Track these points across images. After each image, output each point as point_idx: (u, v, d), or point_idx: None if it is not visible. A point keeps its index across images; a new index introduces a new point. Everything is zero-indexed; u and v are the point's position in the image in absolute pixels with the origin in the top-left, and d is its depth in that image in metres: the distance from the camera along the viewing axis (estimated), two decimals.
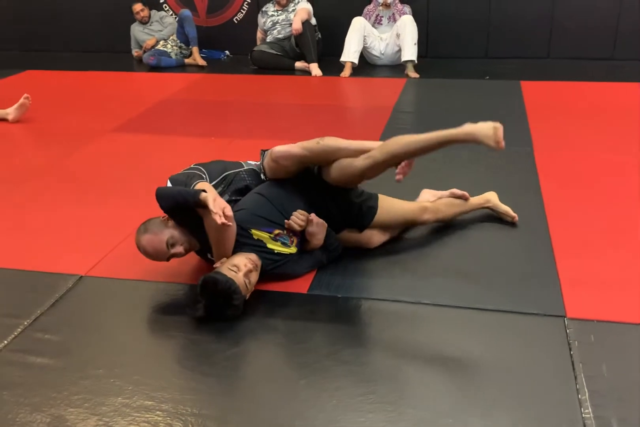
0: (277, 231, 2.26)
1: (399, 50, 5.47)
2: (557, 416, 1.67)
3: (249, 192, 2.40)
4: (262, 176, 2.45)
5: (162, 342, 2.06)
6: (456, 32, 5.88)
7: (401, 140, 2.20)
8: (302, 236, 2.33)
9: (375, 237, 2.47)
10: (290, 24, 5.66)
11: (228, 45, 6.42)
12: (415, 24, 5.40)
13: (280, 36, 5.80)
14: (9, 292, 2.34)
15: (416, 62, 5.39)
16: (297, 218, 2.27)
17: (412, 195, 2.71)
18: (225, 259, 2.16)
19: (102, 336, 2.08)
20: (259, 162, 2.54)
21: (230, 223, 2.08)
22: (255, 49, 5.83)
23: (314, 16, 5.76)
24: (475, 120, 4.17)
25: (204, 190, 2.13)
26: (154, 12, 6.28)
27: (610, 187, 3.02)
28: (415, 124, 4.19)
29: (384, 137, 3.81)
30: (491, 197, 2.71)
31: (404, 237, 2.59)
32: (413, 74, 5.32)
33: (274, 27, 5.82)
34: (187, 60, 6.14)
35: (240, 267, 2.08)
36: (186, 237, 2.23)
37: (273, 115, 4.43)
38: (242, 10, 6.35)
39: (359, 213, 2.39)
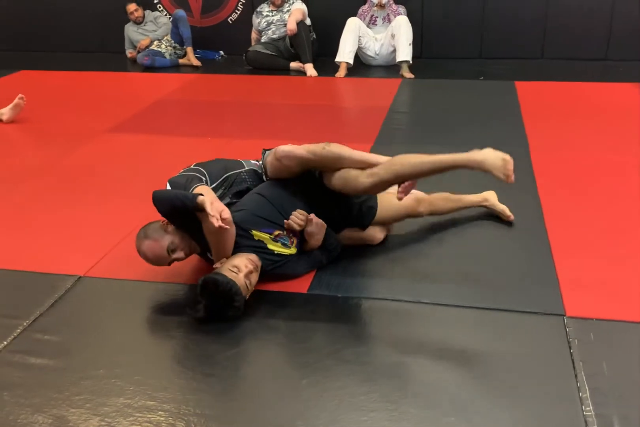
0: (277, 232, 2.27)
1: (394, 51, 5.48)
2: (559, 413, 1.68)
3: (249, 193, 2.40)
4: (264, 176, 2.45)
5: (162, 342, 2.05)
6: (450, 33, 5.90)
7: (408, 160, 2.18)
8: (301, 236, 2.33)
9: (378, 233, 2.49)
10: (285, 25, 5.66)
11: (222, 45, 6.41)
12: (410, 24, 5.41)
13: (275, 36, 5.80)
14: (8, 292, 2.33)
15: (411, 62, 5.40)
16: (297, 218, 2.27)
17: None
18: (225, 259, 2.16)
19: (101, 336, 2.07)
20: (260, 161, 2.54)
21: (227, 226, 2.07)
22: (250, 49, 5.83)
23: (309, 16, 5.75)
24: (472, 120, 4.19)
25: (201, 194, 2.12)
26: (148, 12, 6.26)
27: (607, 186, 3.04)
28: (411, 125, 4.21)
29: (380, 137, 3.85)
30: (489, 196, 2.72)
31: (404, 236, 2.60)
32: (408, 74, 5.33)
33: (268, 28, 5.82)
34: (181, 61, 6.13)
35: (240, 268, 2.08)
36: (186, 241, 2.21)
37: (269, 115, 4.43)
38: (236, 11, 6.34)
39: (359, 214, 2.40)
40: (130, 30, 6.25)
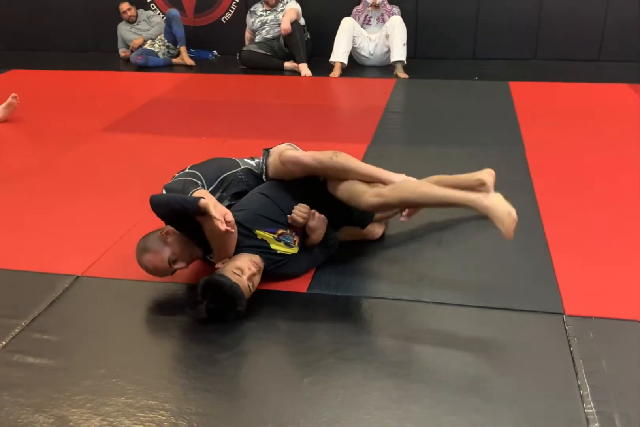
0: (280, 231, 2.26)
1: (388, 51, 5.49)
2: (560, 411, 1.68)
3: (250, 192, 2.38)
4: (263, 176, 2.44)
5: (163, 342, 2.04)
6: (444, 33, 5.92)
7: (418, 189, 2.16)
8: (303, 233, 2.33)
9: (376, 228, 2.50)
10: (279, 24, 5.65)
11: (216, 45, 6.40)
12: (404, 24, 5.43)
13: (269, 36, 5.80)
14: (5, 292, 2.32)
15: (405, 62, 5.41)
16: (299, 211, 2.27)
17: None
18: (227, 259, 2.15)
19: (101, 336, 2.06)
20: (257, 160, 2.53)
21: (233, 230, 2.06)
22: (244, 49, 5.82)
23: (303, 16, 5.76)
24: (468, 120, 4.20)
25: (202, 197, 2.09)
26: (141, 11, 6.25)
27: (602, 185, 3.05)
28: (407, 125, 4.22)
29: (376, 137, 3.86)
30: (486, 179, 2.58)
31: (402, 235, 2.60)
32: (402, 74, 5.34)
33: (262, 27, 5.81)
34: (174, 60, 6.11)
35: (244, 271, 2.06)
36: (187, 249, 2.19)
37: (264, 115, 4.42)
38: (230, 10, 6.34)
39: (359, 215, 2.40)
40: (123, 29, 6.23)
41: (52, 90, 5.18)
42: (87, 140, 3.90)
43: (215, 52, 6.40)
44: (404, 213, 2.22)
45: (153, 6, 6.46)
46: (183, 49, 6.07)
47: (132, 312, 2.19)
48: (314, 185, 2.36)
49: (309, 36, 5.84)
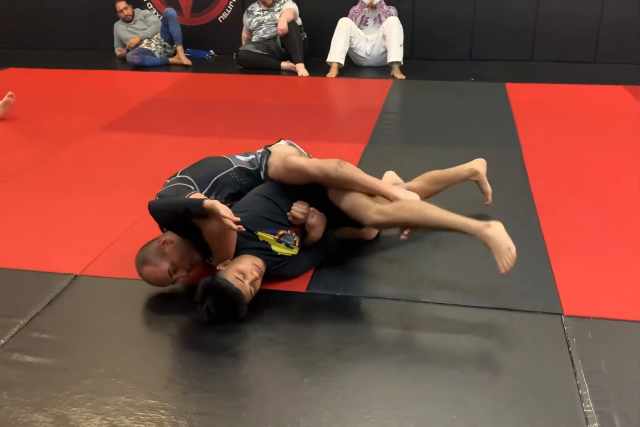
0: (281, 232, 2.26)
1: (385, 52, 5.49)
2: (559, 411, 1.69)
3: (250, 193, 2.37)
4: (262, 174, 2.43)
5: (162, 341, 2.04)
6: (441, 34, 5.93)
7: (421, 211, 2.16)
8: (302, 233, 2.33)
9: (373, 229, 2.50)
10: (276, 24, 5.65)
11: (212, 44, 6.39)
12: (401, 25, 5.43)
13: (265, 36, 5.80)
14: (4, 291, 2.31)
15: (402, 63, 5.42)
16: (299, 207, 2.27)
17: None
18: (229, 260, 2.14)
19: (100, 335, 2.06)
20: (252, 156, 2.49)
21: (244, 229, 2.05)
22: (241, 48, 5.82)
23: (300, 16, 5.76)
24: (465, 121, 4.20)
25: (206, 198, 2.08)
26: (137, 10, 6.23)
27: (600, 186, 3.07)
28: (404, 125, 4.23)
29: (373, 137, 3.86)
30: (479, 168, 2.68)
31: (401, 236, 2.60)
32: (399, 75, 5.35)
33: (259, 27, 5.81)
34: (171, 60, 6.10)
35: (246, 275, 2.05)
36: (186, 257, 2.17)
37: (262, 115, 4.42)
38: (227, 10, 6.33)
39: None
40: (119, 28, 6.22)
41: (49, 89, 5.17)
42: (84, 139, 3.89)
43: (211, 51, 6.39)
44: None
45: (150, 5, 6.45)
46: (180, 48, 6.06)
47: (131, 311, 2.19)
48: (313, 185, 2.36)
49: (305, 36, 5.84)
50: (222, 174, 2.40)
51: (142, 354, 1.97)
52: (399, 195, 2.26)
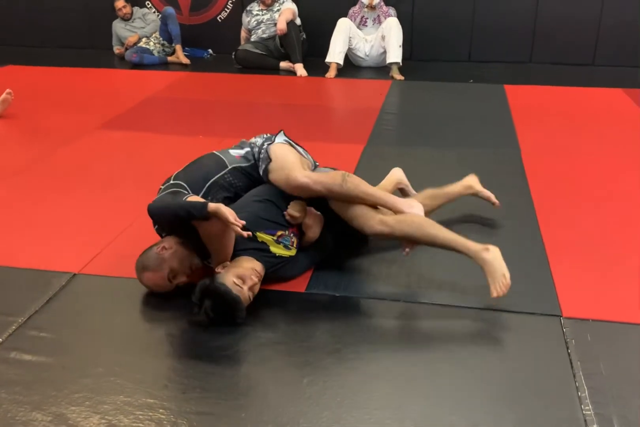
0: (280, 233, 2.25)
1: (384, 52, 5.50)
2: (558, 413, 1.69)
3: (248, 194, 2.35)
4: (261, 172, 2.35)
5: (161, 340, 2.03)
6: (440, 36, 5.95)
7: (422, 228, 2.18)
8: (299, 233, 2.32)
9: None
10: (275, 24, 5.65)
11: (211, 43, 6.40)
12: (400, 26, 5.44)
13: (264, 36, 5.79)
14: (2, 289, 2.29)
15: (401, 64, 5.42)
16: (295, 206, 2.26)
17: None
18: (228, 263, 2.13)
19: (98, 334, 2.05)
20: (247, 149, 2.44)
21: (250, 233, 2.04)
22: (240, 48, 5.82)
23: (299, 16, 5.76)
24: (464, 122, 4.21)
25: (208, 201, 2.06)
26: (136, 8, 6.23)
27: (599, 188, 3.08)
28: (403, 126, 4.23)
29: (372, 138, 3.86)
30: (472, 182, 2.72)
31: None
32: (398, 76, 5.35)
33: (258, 27, 5.81)
34: (170, 58, 6.10)
35: (246, 280, 2.03)
36: (186, 261, 2.16)
37: (260, 115, 4.42)
38: (226, 9, 6.33)
39: None
40: (118, 26, 6.21)
41: (47, 87, 5.15)
42: (82, 137, 3.88)
43: (210, 50, 6.39)
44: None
45: (148, 4, 6.44)
46: (178, 47, 6.05)
47: (130, 310, 2.18)
48: None
49: (304, 36, 5.84)
50: (217, 177, 2.35)
51: (141, 353, 1.96)
52: (404, 208, 2.28)
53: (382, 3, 5.57)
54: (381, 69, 5.60)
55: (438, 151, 3.62)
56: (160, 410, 1.70)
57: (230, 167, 2.39)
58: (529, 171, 3.28)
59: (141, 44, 6.09)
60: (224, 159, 2.42)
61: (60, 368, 1.87)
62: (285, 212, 2.27)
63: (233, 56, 5.79)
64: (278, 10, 5.71)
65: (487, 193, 2.72)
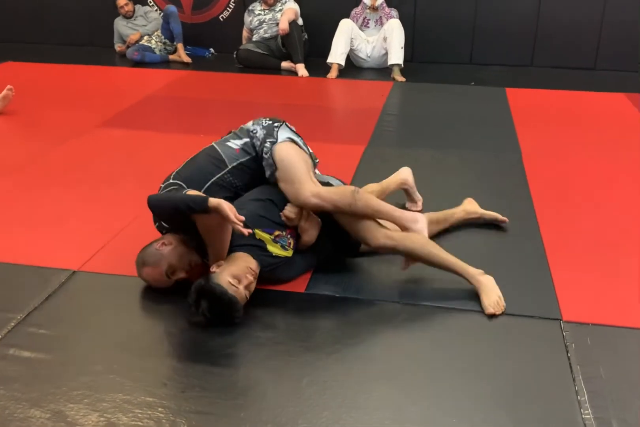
0: (277, 232, 2.24)
1: (386, 54, 5.50)
2: (558, 416, 1.69)
3: (248, 193, 2.34)
4: (268, 176, 2.34)
5: (160, 339, 2.03)
6: (442, 38, 5.94)
7: (426, 247, 2.23)
8: (297, 235, 2.32)
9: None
10: (277, 24, 5.65)
11: (213, 42, 6.38)
12: (402, 28, 5.44)
13: (266, 35, 5.79)
14: (1, 286, 2.29)
15: (402, 66, 5.42)
16: (291, 207, 2.26)
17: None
18: (223, 262, 2.11)
19: (97, 331, 2.04)
20: (245, 140, 2.40)
21: (250, 231, 2.04)
22: (241, 47, 5.81)
23: (301, 16, 5.75)
24: (465, 125, 4.21)
25: (208, 196, 2.04)
26: (138, 6, 6.21)
27: (600, 192, 3.08)
28: (404, 128, 4.23)
29: (373, 139, 3.86)
30: (470, 208, 2.71)
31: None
32: (399, 77, 5.35)
33: (260, 26, 5.80)
34: (171, 57, 6.08)
35: (241, 280, 2.03)
36: (185, 257, 2.15)
37: (261, 114, 4.29)
38: (228, 8, 6.32)
39: None
40: (119, 24, 6.20)
41: (48, 84, 5.14)
42: (83, 134, 3.87)
43: (212, 50, 6.38)
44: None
45: (150, 2, 6.43)
46: (180, 45, 6.04)
47: (130, 308, 2.18)
48: None
49: (306, 36, 5.84)
50: (217, 177, 2.32)
51: (140, 351, 1.95)
52: (410, 223, 2.31)
53: (385, 4, 5.57)
54: (383, 71, 5.59)
55: (439, 153, 3.62)
56: (159, 409, 1.70)
57: (230, 167, 2.36)
58: (529, 174, 3.28)
59: (143, 42, 6.07)
60: (223, 156, 2.36)
61: (59, 365, 1.87)
62: (281, 213, 2.26)
63: (234, 55, 5.79)
64: (280, 10, 5.71)
65: (491, 214, 2.71)
